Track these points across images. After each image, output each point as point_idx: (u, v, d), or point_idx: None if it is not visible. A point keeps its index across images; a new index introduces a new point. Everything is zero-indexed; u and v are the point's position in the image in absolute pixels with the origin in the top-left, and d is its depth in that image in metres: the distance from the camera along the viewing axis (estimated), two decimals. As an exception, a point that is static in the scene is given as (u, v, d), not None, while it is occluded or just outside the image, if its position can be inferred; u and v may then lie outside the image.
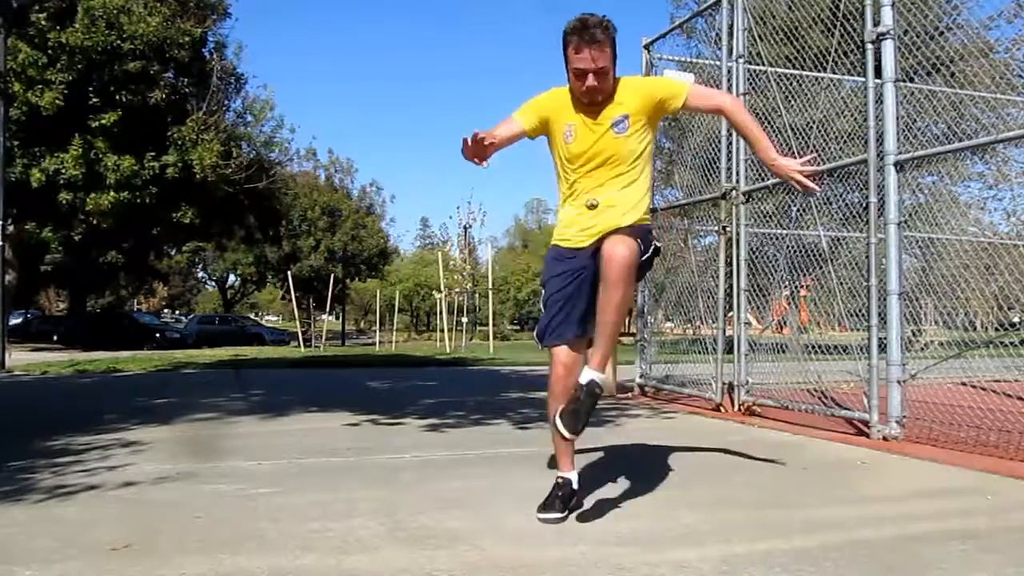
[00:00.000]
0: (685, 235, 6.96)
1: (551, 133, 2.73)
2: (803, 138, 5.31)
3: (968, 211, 6.54)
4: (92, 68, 16.69)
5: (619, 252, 2.48)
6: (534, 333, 2.84)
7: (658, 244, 2.76)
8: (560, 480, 2.69)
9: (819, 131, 5.27)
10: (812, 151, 5.16)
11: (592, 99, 2.62)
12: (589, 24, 2.54)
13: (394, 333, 33.73)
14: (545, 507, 2.62)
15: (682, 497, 2.97)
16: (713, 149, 6.04)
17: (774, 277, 5.82)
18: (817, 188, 2.72)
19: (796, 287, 5.85)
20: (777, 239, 5.98)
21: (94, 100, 16.83)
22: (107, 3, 16.48)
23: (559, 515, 2.58)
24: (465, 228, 33.03)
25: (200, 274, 52.15)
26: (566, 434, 2.51)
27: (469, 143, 2.53)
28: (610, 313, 2.52)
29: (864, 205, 4.47)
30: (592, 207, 2.68)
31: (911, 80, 4.86)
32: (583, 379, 2.52)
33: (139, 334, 24.60)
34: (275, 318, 63.49)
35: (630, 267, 2.49)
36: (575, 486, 2.69)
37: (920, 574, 2.10)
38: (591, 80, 2.56)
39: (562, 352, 2.69)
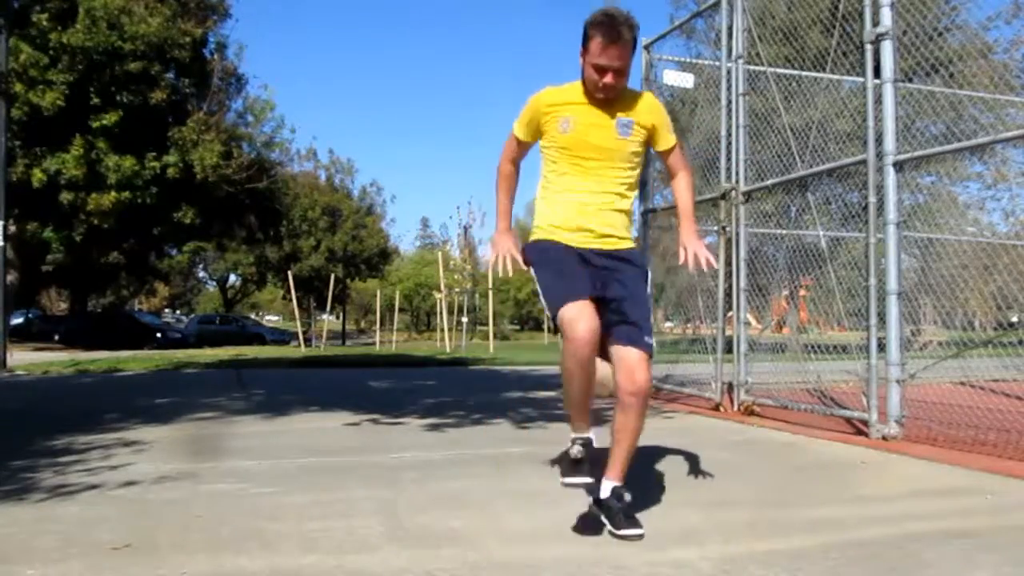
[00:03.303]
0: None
1: (543, 128, 2.69)
2: (802, 138, 5.32)
3: (967, 211, 6.55)
4: (93, 68, 16.71)
5: (643, 378, 2.46)
6: (546, 307, 2.53)
7: (648, 269, 2.75)
8: (582, 440, 2.52)
9: (818, 131, 5.27)
10: (811, 151, 5.18)
11: (606, 95, 2.59)
12: (618, 21, 2.50)
13: (394, 333, 33.69)
14: (571, 470, 2.48)
15: (682, 497, 2.98)
16: (713, 149, 6.05)
17: (774, 277, 5.82)
18: (705, 266, 2.65)
19: (795, 287, 5.86)
20: (777, 239, 5.99)
21: (95, 100, 16.84)
22: (108, 4, 16.50)
23: (588, 478, 2.46)
24: (465, 228, 33.05)
25: (201, 274, 52.15)
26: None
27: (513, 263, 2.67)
28: (631, 441, 2.52)
29: (863, 205, 4.47)
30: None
31: (910, 80, 4.87)
32: (604, 494, 2.47)
33: (140, 334, 24.59)
34: (276, 318, 63.46)
35: (650, 390, 2.52)
36: (596, 444, 2.53)
37: (920, 574, 2.10)
38: (609, 78, 2.53)
39: (583, 312, 2.39)
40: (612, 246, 2.63)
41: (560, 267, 2.56)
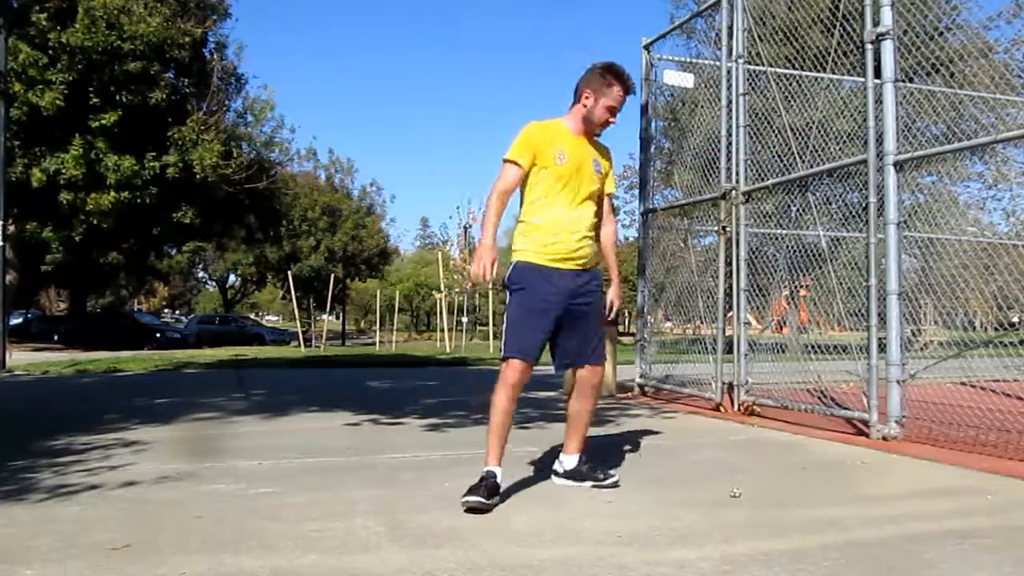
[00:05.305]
0: (685, 235, 6.97)
1: (540, 159, 3.03)
2: (803, 138, 5.32)
3: (967, 211, 6.55)
4: (92, 68, 16.68)
5: (597, 379, 3.13)
6: (502, 341, 3.05)
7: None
8: (486, 472, 2.89)
9: (819, 131, 5.27)
10: (812, 151, 5.17)
11: (601, 129, 3.15)
12: (629, 77, 3.11)
13: (394, 333, 33.73)
14: (471, 491, 2.77)
15: (682, 497, 2.98)
16: (713, 149, 6.04)
17: (774, 277, 5.82)
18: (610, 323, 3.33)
19: (796, 287, 5.86)
20: (777, 239, 5.98)
21: (94, 100, 16.81)
22: (107, 3, 16.46)
23: (482, 499, 2.72)
24: (465, 228, 33.04)
25: (200, 274, 52.09)
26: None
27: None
28: (587, 417, 3.20)
29: (864, 205, 4.47)
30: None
31: (911, 80, 4.86)
32: (571, 464, 3.15)
33: (139, 334, 24.58)
34: (275, 318, 63.45)
35: (601, 381, 3.19)
36: (499, 480, 2.87)
37: (920, 574, 2.10)
38: (614, 118, 3.11)
39: (519, 372, 3.03)
40: (589, 267, 3.10)
41: (532, 315, 2.98)
